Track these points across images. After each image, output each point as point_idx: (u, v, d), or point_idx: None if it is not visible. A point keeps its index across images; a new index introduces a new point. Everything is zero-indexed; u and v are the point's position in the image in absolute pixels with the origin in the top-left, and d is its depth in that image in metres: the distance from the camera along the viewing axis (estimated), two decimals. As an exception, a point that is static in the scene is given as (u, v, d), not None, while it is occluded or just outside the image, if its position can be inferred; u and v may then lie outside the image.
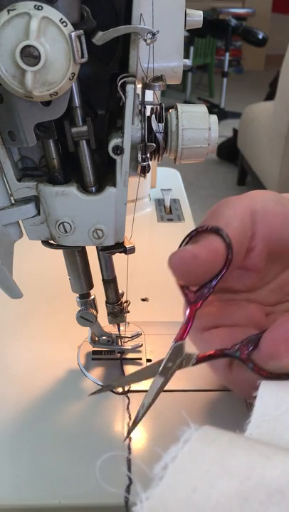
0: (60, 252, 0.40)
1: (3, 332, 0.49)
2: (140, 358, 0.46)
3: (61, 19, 0.25)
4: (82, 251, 0.40)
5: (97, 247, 0.40)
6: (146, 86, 0.32)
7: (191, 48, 4.12)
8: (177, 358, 0.34)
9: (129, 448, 0.37)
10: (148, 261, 0.65)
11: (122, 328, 0.46)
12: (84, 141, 0.33)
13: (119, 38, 0.29)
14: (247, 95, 4.31)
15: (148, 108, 0.34)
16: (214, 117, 0.34)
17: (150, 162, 0.34)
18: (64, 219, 0.35)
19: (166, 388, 0.34)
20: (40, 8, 0.25)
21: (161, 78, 0.32)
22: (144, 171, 0.34)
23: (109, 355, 0.46)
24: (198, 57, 4.36)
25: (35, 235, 0.37)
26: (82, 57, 0.27)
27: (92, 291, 0.43)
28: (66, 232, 0.36)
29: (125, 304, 0.45)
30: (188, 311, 0.35)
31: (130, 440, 0.37)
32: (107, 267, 0.42)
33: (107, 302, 0.44)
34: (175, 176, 0.89)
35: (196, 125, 0.34)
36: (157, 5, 0.31)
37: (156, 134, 0.34)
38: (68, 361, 0.45)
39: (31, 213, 0.35)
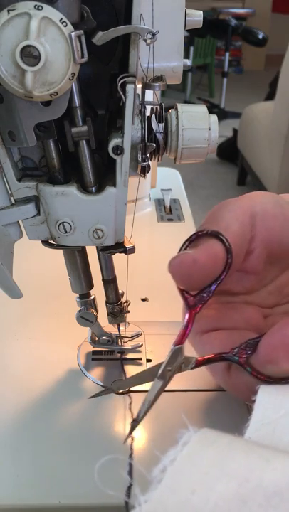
0: (60, 252, 0.40)
1: (3, 332, 0.49)
2: (140, 358, 0.46)
3: (61, 19, 0.25)
4: (82, 251, 0.40)
5: (97, 247, 0.40)
6: (146, 86, 0.32)
7: (191, 48, 4.12)
8: (176, 362, 0.34)
9: (131, 449, 0.37)
10: (148, 261, 0.65)
11: (122, 328, 0.46)
12: (84, 141, 0.33)
13: (119, 38, 0.29)
14: (247, 95, 4.31)
15: (148, 108, 0.34)
16: (214, 117, 0.34)
17: (150, 162, 0.34)
18: (64, 219, 0.35)
19: (166, 388, 0.34)
20: (40, 8, 0.25)
21: (161, 78, 0.32)
22: (144, 171, 0.34)
23: (109, 355, 0.46)
24: (198, 57, 4.37)
25: (35, 235, 0.37)
26: (82, 57, 0.27)
27: (92, 291, 0.43)
28: (66, 232, 0.36)
29: (125, 304, 0.45)
30: (187, 315, 0.35)
31: (132, 441, 0.37)
32: (107, 267, 0.42)
33: (107, 302, 0.44)
34: (175, 176, 0.89)
35: (196, 125, 0.34)
36: (157, 5, 0.31)
37: (156, 134, 0.34)
38: (68, 361, 0.45)
39: (31, 213, 0.35)
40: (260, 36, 3.55)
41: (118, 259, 0.41)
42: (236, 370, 0.34)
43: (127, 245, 0.38)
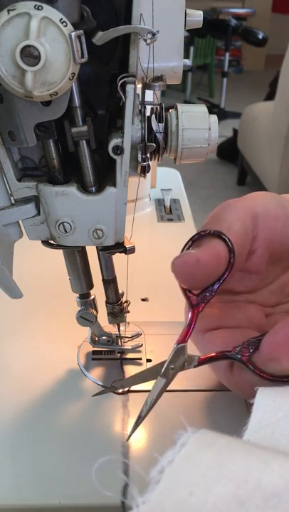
0: (60, 252, 0.40)
1: (3, 332, 0.49)
2: (140, 358, 0.46)
3: (61, 19, 0.25)
4: (82, 251, 0.40)
5: (97, 247, 0.40)
6: (146, 86, 0.32)
7: (191, 48, 4.12)
8: (179, 360, 0.34)
9: (127, 449, 0.37)
10: (148, 261, 0.65)
11: (122, 328, 0.46)
12: (84, 141, 0.33)
13: (119, 38, 0.29)
14: (247, 95, 4.31)
15: (148, 108, 0.34)
16: (214, 117, 0.34)
17: (150, 162, 0.34)
18: (64, 219, 0.35)
19: (167, 388, 0.34)
20: (40, 8, 0.25)
21: (161, 78, 0.32)
22: (144, 171, 0.34)
23: (109, 355, 0.46)
24: (198, 57, 4.37)
25: (35, 235, 0.37)
26: (82, 57, 0.27)
27: (92, 291, 0.43)
28: (66, 232, 0.36)
29: (125, 304, 0.45)
30: (190, 314, 0.35)
31: (127, 441, 0.37)
32: (107, 267, 0.42)
33: (107, 302, 0.44)
34: (175, 176, 0.89)
35: (196, 125, 0.34)
36: (157, 5, 0.31)
37: (156, 134, 0.34)
38: (68, 361, 0.45)
39: (31, 213, 0.35)
40: (260, 36, 3.55)
41: (118, 259, 0.41)
42: (239, 369, 0.34)
43: (127, 245, 0.38)
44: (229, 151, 3.07)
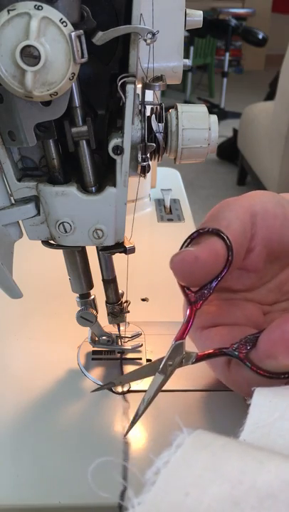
0: (60, 252, 0.40)
1: (3, 332, 0.49)
2: (140, 358, 0.46)
3: (61, 19, 0.25)
4: (82, 251, 0.40)
5: (97, 247, 0.40)
6: (146, 86, 0.32)
7: (191, 48, 4.12)
8: (177, 357, 0.34)
9: (125, 449, 0.37)
10: (148, 261, 0.65)
11: (122, 328, 0.46)
12: (84, 141, 0.33)
13: (119, 38, 0.29)
14: (247, 95, 4.31)
15: (148, 108, 0.34)
16: (214, 117, 0.34)
17: (150, 162, 0.34)
18: (64, 219, 0.35)
19: (166, 388, 0.34)
20: (40, 8, 0.25)
21: (161, 78, 0.32)
22: (144, 171, 0.34)
23: (109, 355, 0.46)
24: (198, 57, 4.37)
25: (35, 235, 0.37)
26: (82, 57, 0.27)
27: (92, 291, 0.43)
28: (66, 232, 0.36)
29: (125, 304, 0.45)
30: (188, 311, 0.35)
31: (126, 441, 0.37)
32: (107, 267, 0.42)
33: (107, 302, 0.44)
34: (175, 175, 0.89)
35: (196, 125, 0.34)
36: (157, 5, 0.31)
37: (156, 134, 0.34)
38: (68, 361, 0.45)
39: (31, 213, 0.35)
40: (260, 36, 3.55)
41: (118, 259, 0.41)
42: (236, 365, 0.34)
43: (127, 245, 0.38)
44: (229, 151, 3.07)
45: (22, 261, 0.44)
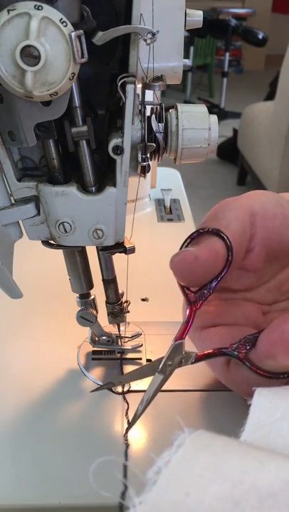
0: (60, 252, 0.40)
1: (3, 332, 0.49)
2: (140, 358, 0.46)
3: (61, 19, 0.25)
4: (82, 251, 0.40)
5: (97, 247, 0.40)
6: (146, 86, 0.32)
7: (191, 48, 4.12)
8: (176, 357, 0.35)
9: (126, 449, 0.37)
10: (148, 261, 0.65)
11: (122, 328, 0.46)
12: (84, 141, 0.33)
13: (119, 38, 0.29)
14: (247, 95, 4.31)
15: (148, 108, 0.34)
16: (214, 117, 0.34)
17: (150, 162, 0.34)
18: (64, 219, 0.35)
19: (165, 388, 0.34)
20: (40, 8, 0.25)
21: (161, 78, 0.32)
22: (144, 171, 0.34)
23: (109, 355, 0.46)
24: (198, 57, 4.37)
25: (35, 235, 0.37)
26: (82, 57, 0.27)
27: (92, 291, 0.43)
28: (66, 232, 0.36)
29: (125, 304, 0.45)
30: (188, 311, 0.35)
31: (128, 446, 0.37)
32: (107, 267, 0.42)
33: (107, 302, 0.44)
34: (175, 175, 0.89)
35: (196, 125, 0.34)
36: (157, 5, 0.31)
37: (156, 134, 0.34)
38: (68, 361, 0.45)
39: (31, 213, 0.35)
40: (260, 36, 3.55)
41: (118, 259, 0.41)
42: (235, 365, 0.35)
43: (127, 245, 0.38)
44: (229, 151, 3.07)
45: (22, 261, 0.44)
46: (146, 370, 0.36)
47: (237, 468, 0.21)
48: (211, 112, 0.34)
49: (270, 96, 2.87)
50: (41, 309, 0.53)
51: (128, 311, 0.45)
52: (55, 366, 0.45)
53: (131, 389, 0.42)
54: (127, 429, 0.34)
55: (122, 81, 0.30)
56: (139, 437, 0.38)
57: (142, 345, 0.47)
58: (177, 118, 0.34)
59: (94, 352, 0.46)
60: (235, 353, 0.33)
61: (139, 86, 0.32)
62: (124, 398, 0.41)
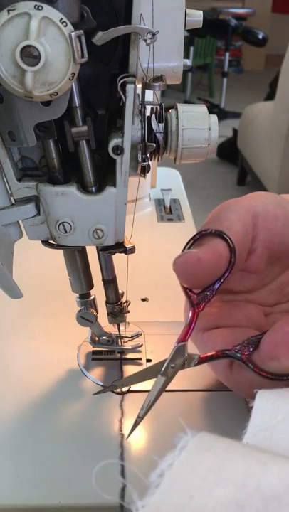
0: (60, 252, 0.40)
1: (3, 332, 0.49)
2: (140, 358, 0.46)
3: (61, 19, 0.25)
4: (82, 251, 0.40)
5: (97, 247, 0.40)
6: (146, 86, 0.32)
7: (191, 48, 4.12)
8: (179, 359, 0.34)
9: (121, 450, 0.37)
10: (148, 261, 0.65)
11: (122, 328, 0.46)
12: (84, 141, 0.33)
13: (119, 38, 0.29)
14: (247, 95, 4.31)
15: (148, 108, 0.34)
16: (214, 117, 0.34)
17: (150, 162, 0.34)
18: (64, 219, 0.35)
19: (166, 388, 0.34)
20: (40, 8, 0.25)
21: (161, 78, 0.32)
22: (144, 171, 0.34)
23: (109, 355, 0.46)
24: (198, 57, 4.37)
25: (35, 235, 0.37)
26: (82, 57, 0.27)
27: (92, 291, 0.43)
28: (66, 232, 0.36)
29: (125, 304, 0.45)
30: (191, 313, 0.35)
31: (129, 446, 0.37)
32: (107, 267, 0.42)
33: (107, 302, 0.44)
34: (175, 175, 0.89)
35: (196, 125, 0.34)
36: (157, 5, 0.31)
37: (156, 134, 0.34)
38: (68, 361, 0.45)
39: (31, 213, 0.35)
40: (260, 36, 3.55)
41: (118, 259, 0.41)
42: (238, 367, 0.34)
43: (127, 245, 0.38)
44: (229, 151, 3.07)
45: (22, 261, 0.44)
46: (148, 372, 0.36)
47: (241, 470, 0.21)
48: (211, 112, 0.34)
49: (270, 96, 2.87)
50: (41, 309, 0.53)
51: (128, 311, 0.45)
52: (55, 366, 0.45)
53: (131, 389, 0.42)
54: (130, 433, 0.34)
55: (122, 81, 0.30)
56: (139, 437, 0.38)
57: (142, 345, 0.47)
58: (177, 118, 0.34)
59: (94, 352, 0.46)
60: (238, 355, 0.33)
61: (139, 86, 0.32)
62: (125, 398, 0.41)
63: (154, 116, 0.34)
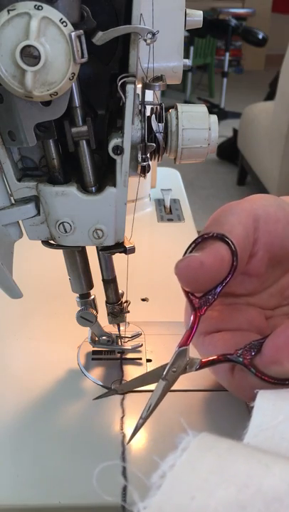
0: (60, 252, 0.40)
1: (3, 332, 0.49)
2: (140, 358, 0.46)
3: (61, 19, 0.25)
4: (82, 251, 0.40)
5: (97, 247, 0.40)
6: (146, 86, 0.32)
7: (191, 48, 4.12)
8: (181, 363, 0.34)
9: (123, 451, 0.37)
10: (148, 261, 0.65)
11: (122, 328, 0.46)
12: (84, 141, 0.33)
13: (119, 38, 0.29)
14: (247, 95, 4.31)
15: (148, 108, 0.34)
16: (214, 117, 0.34)
17: (150, 162, 0.34)
18: (64, 219, 0.35)
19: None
20: (40, 8, 0.25)
21: (161, 78, 0.32)
22: (144, 171, 0.34)
23: (109, 355, 0.46)
24: (198, 57, 4.36)
25: (35, 235, 0.37)
26: (82, 57, 0.27)
27: (92, 291, 0.43)
28: (66, 232, 0.36)
29: (125, 304, 0.45)
30: (192, 317, 0.35)
31: (124, 440, 0.37)
32: (107, 267, 0.42)
33: (107, 302, 0.44)
34: (175, 175, 0.89)
35: (196, 125, 0.34)
36: (157, 5, 0.31)
37: (156, 134, 0.34)
38: (68, 361, 0.45)
39: (31, 213, 0.35)
40: (260, 36, 3.55)
41: (118, 259, 0.41)
42: (240, 371, 0.34)
43: (127, 245, 0.38)
44: (229, 151, 3.07)
45: (22, 261, 0.44)
46: (149, 376, 0.36)
47: (242, 471, 0.21)
48: (211, 112, 0.34)
49: (270, 96, 2.87)
50: (41, 309, 0.53)
51: (128, 311, 0.45)
52: (55, 366, 0.45)
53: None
54: (131, 437, 0.34)
55: (122, 81, 0.30)
56: (139, 437, 0.38)
57: (142, 345, 0.47)
58: (177, 118, 0.34)
59: (94, 352, 0.46)
60: (240, 359, 0.33)
61: (139, 86, 0.32)
62: (125, 398, 0.41)
63: (154, 116, 0.34)
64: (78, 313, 0.43)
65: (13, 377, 0.44)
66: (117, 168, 0.33)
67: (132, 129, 0.32)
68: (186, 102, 4.03)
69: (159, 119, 0.34)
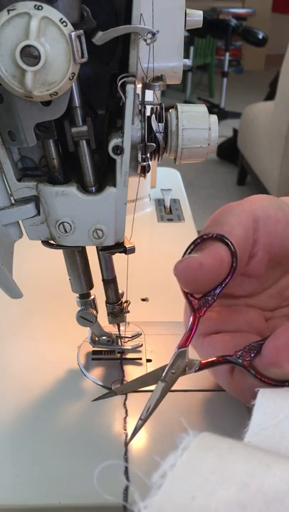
0: (60, 252, 0.40)
1: (3, 332, 0.49)
2: (140, 358, 0.46)
3: (61, 19, 0.25)
4: (82, 251, 0.40)
5: (97, 247, 0.40)
6: (146, 86, 0.32)
7: (191, 48, 4.12)
8: (180, 365, 0.34)
9: (126, 452, 0.37)
10: (148, 261, 0.65)
11: (122, 328, 0.46)
12: (84, 141, 0.33)
13: (119, 38, 0.29)
14: (247, 95, 4.31)
15: (148, 108, 0.34)
16: (214, 117, 0.34)
17: (150, 162, 0.34)
18: (64, 219, 0.35)
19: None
20: (40, 8, 0.25)
21: (161, 78, 0.32)
22: (144, 171, 0.34)
23: (109, 355, 0.46)
24: (198, 57, 4.37)
25: (35, 235, 0.37)
26: (82, 57, 0.27)
27: (92, 291, 0.43)
28: (66, 232, 0.36)
29: (125, 304, 0.45)
30: (191, 318, 0.35)
31: (129, 446, 0.37)
32: (107, 267, 0.42)
33: (107, 302, 0.44)
34: (175, 175, 0.89)
35: (196, 125, 0.34)
36: (157, 5, 0.31)
37: (156, 134, 0.34)
38: (68, 361, 0.45)
39: (31, 213, 0.35)
40: (260, 36, 3.55)
41: (118, 259, 0.41)
42: (240, 373, 0.34)
43: (127, 245, 0.38)
44: (229, 151, 3.07)
45: (22, 261, 0.44)
46: (149, 377, 0.36)
47: (243, 471, 0.21)
48: (211, 112, 0.34)
49: (270, 96, 2.87)
50: (41, 309, 0.53)
51: (128, 311, 0.45)
52: (55, 366, 0.45)
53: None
54: (130, 438, 0.33)
55: (122, 81, 0.30)
56: (139, 437, 0.38)
57: (142, 345, 0.47)
58: (177, 118, 0.34)
59: (94, 352, 0.46)
60: (240, 361, 0.33)
61: (139, 86, 0.32)
62: (125, 398, 0.41)
63: (154, 116, 0.34)
64: (78, 313, 0.43)
65: (13, 377, 0.44)
66: (117, 168, 0.33)
67: (132, 129, 0.32)
68: (186, 102, 4.03)
69: (159, 119, 0.34)
